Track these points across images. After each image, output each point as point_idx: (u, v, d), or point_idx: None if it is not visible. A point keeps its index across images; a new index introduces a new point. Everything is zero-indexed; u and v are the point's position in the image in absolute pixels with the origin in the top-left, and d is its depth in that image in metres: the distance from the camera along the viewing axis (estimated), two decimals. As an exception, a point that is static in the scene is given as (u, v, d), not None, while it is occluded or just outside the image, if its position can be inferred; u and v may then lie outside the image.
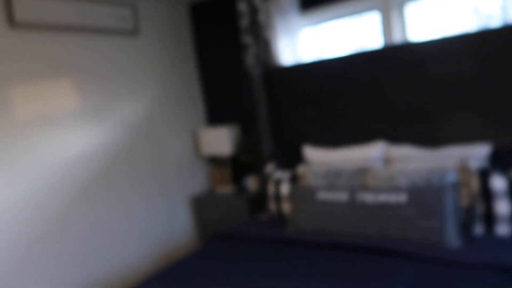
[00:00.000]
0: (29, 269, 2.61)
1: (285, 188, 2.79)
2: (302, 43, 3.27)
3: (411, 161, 2.48)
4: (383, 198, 2.21)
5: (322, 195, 2.42)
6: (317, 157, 2.90)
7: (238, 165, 3.74)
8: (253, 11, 3.27)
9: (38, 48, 2.73)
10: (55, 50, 2.82)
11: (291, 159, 3.10)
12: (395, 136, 2.73)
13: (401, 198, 2.16)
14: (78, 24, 2.91)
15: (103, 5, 3.06)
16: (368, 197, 2.26)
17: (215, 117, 3.92)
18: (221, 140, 3.56)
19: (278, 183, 2.86)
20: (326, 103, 3.02)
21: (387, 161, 2.63)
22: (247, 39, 3.33)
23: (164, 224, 3.50)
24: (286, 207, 2.75)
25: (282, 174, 2.91)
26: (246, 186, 3.56)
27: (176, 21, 3.71)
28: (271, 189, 2.90)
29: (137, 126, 3.32)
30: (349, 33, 3.23)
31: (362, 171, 2.51)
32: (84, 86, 2.97)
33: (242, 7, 3.30)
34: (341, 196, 2.35)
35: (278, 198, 2.81)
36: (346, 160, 2.73)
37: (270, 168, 3.07)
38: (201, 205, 3.62)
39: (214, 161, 3.91)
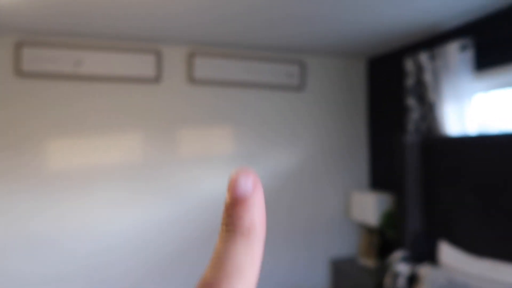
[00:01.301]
0: (172, 275, 3.13)
1: (401, 285, 2.29)
2: (473, 111, 2.60)
3: None
4: None
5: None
6: (452, 258, 2.24)
7: (387, 238, 3.27)
8: (419, 69, 2.85)
9: (209, 99, 3.27)
10: (222, 101, 3.30)
11: (425, 249, 2.50)
12: None
13: None
14: (245, 80, 3.31)
15: (272, 63, 3.36)
16: None
17: (375, 181, 3.57)
18: (368, 207, 3.23)
19: (395, 277, 2.37)
20: (492, 193, 2.29)
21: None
22: (411, 101, 2.93)
23: (298, 278, 3.44)
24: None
25: (403, 267, 2.39)
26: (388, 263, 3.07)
27: (349, 76, 3.63)
28: (388, 280, 2.43)
29: (286, 177, 3.44)
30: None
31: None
32: (241, 133, 3.33)
33: (409, 64, 2.93)
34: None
35: (393, 294, 2.33)
36: (487, 280, 1.99)
37: (395, 255, 2.57)
38: (341, 270, 3.35)
39: (365, 228, 3.55)
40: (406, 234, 2.75)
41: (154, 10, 2.44)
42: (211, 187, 3.25)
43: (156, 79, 3.11)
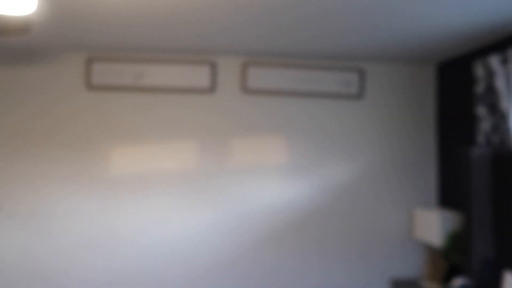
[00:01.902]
0: (221, 284, 3.18)
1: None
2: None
3: None
4: None
5: None
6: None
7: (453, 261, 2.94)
8: (489, 74, 2.55)
9: (262, 109, 3.26)
10: (276, 111, 3.27)
11: (491, 279, 2.19)
12: None
13: None
14: (300, 89, 3.25)
15: (328, 71, 3.25)
16: None
17: (444, 197, 3.24)
18: (432, 226, 2.94)
19: (452, 306, 2.11)
20: None
21: None
22: (480, 110, 2.62)
23: (351, 298, 3.26)
24: None
25: (462, 297, 2.13)
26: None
27: (415, 83, 3.37)
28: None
29: (343, 190, 3.28)
30: None
31: None
32: (295, 144, 3.27)
33: (478, 69, 2.64)
34: None
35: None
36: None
37: (456, 282, 2.30)
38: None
39: (430, 249, 3.23)
40: (471, 259, 2.45)
41: (210, 24, 2.52)
42: (263, 197, 3.23)
43: (211, 89, 3.20)
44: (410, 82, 3.37)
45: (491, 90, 2.56)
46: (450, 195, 3.16)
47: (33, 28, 2.58)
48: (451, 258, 2.84)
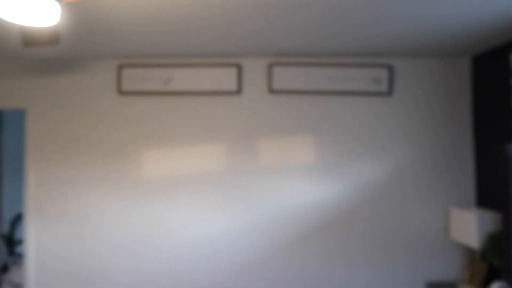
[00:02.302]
0: (249, 282, 3.20)
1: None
2: None
3: None
4: None
5: None
6: None
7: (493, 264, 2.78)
8: (526, 65, 2.39)
9: (289, 109, 3.25)
10: (302, 110, 3.24)
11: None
12: None
13: None
14: (327, 88, 3.20)
15: (357, 68, 3.19)
16: None
17: (482, 197, 3.08)
18: (468, 227, 2.80)
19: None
20: None
21: None
22: (518, 103, 2.48)
23: (385, 301, 3.17)
24: None
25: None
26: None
27: (449, 77, 3.22)
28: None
29: (373, 190, 3.20)
30: None
31: None
32: (322, 143, 3.23)
33: (515, 60, 2.49)
34: None
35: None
36: None
37: (494, 286, 2.17)
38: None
39: (469, 251, 3.08)
40: (510, 262, 2.31)
41: (234, 27, 2.56)
42: (292, 197, 3.22)
43: (238, 91, 3.23)
44: (443, 76, 3.23)
45: (529, 81, 2.41)
46: (488, 194, 3.00)
47: (67, 39, 2.73)
48: (489, 260, 2.69)
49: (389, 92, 3.20)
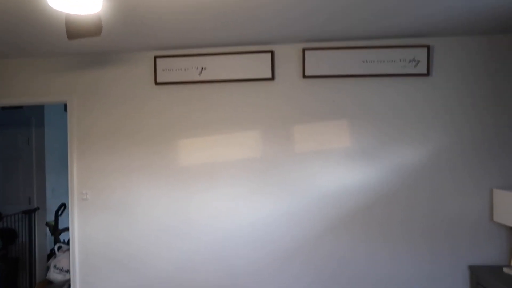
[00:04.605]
0: (277, 271, 3.22)
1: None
2: None
3: None
4: None
5: None
6: None
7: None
8: None
9: (323, 94, 3.22)
10: (337, 94, 3.21)
11: None
12: None
13: None
14: (362, 72, 3.15)
15: (394, 49, 3.11)
16: None
17: (529, 177, 2.96)
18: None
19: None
20: None
21: None
22: None
23: (424, 284, 3.11)
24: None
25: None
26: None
27: (495, 54, 3.08)
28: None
29: (411, 173, 3.14)
30: None
31: None
32: (359, 127, 3.18)
33: None
34: None
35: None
36: None
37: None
38: (483, 280, 2.88)
39: (516, 234, 2.98)
40: None
41: (271, 16, 2.56)
42: (328, 182, 3.20)
43: (272, 77, 3.23)
44: (485, 55, 3.10)
45: None
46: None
47: (106, 31, 2.81)
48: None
49: (429, 72, 3.11)
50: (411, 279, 3.13)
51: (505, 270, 2.85)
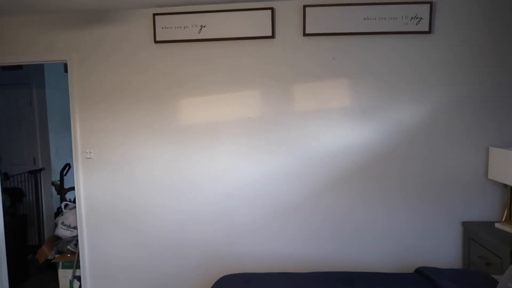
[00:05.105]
0: (278, 228, 3.34)
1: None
2: None
3: None
4: None
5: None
6: None
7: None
8: None
9: (323, 52, 3.20)
10: (337, 53, 3.19)
11: None
12: None
13: None
14: (362, 29, 3.11)
15: (395, 6, 3.05)
16: None
17: (526, 135, 3.00)
18: (509, 166, 2.76)
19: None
20: None
21: None
22: None
23: (419, 239, 3.23)
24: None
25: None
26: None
27: (495, 12, 3.04)
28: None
29: (411, 131, 3.17)
30: None
31: None
32: (359, 85, 3.19)
33: None
34: None
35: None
36: None
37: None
38: (474, 234, 2.99)
39: (508, 190, 3.05)
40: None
41: None
42: (327, 141, 3.25)
43: (271, 35, 3.20)
44: (491, 11, 3.04)
45: None
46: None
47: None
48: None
49: (430, 29, 3.07)
50: (406, 235, 3.24)
51: (497, 225, 2.95)
